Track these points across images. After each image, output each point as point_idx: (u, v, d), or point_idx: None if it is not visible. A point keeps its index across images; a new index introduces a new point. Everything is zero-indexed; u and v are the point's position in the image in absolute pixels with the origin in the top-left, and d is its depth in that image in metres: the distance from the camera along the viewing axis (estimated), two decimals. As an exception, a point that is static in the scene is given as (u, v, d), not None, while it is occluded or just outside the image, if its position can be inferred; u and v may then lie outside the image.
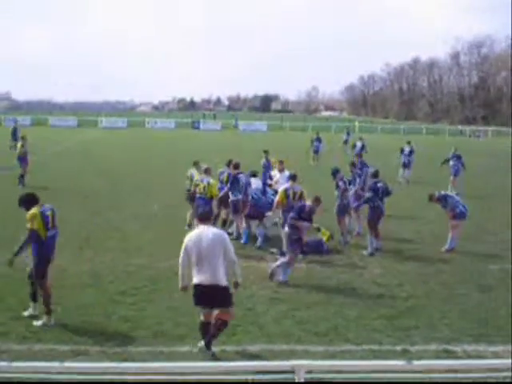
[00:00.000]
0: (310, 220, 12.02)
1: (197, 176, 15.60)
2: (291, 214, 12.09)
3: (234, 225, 15.70)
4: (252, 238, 15.05)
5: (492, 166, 37.11)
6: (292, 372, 5.20)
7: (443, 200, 14.68)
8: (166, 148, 46.29)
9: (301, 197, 13.60)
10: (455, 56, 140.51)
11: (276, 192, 15.15)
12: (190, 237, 8.24)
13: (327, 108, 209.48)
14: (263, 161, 22.01)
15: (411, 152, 28.88)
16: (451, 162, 25.96)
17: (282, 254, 13.11)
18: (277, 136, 68.63)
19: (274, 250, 14.08)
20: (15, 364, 5.43)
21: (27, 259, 9.51)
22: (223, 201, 15.31)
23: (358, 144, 35.79)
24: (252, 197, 15.20)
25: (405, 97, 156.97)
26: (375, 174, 15.28)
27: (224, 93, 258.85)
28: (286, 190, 13.80)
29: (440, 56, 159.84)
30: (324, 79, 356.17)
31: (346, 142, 44.60)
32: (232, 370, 5.71)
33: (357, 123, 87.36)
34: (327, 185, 18.25)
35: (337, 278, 12.09)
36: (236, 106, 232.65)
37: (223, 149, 40.38)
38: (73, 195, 21.81)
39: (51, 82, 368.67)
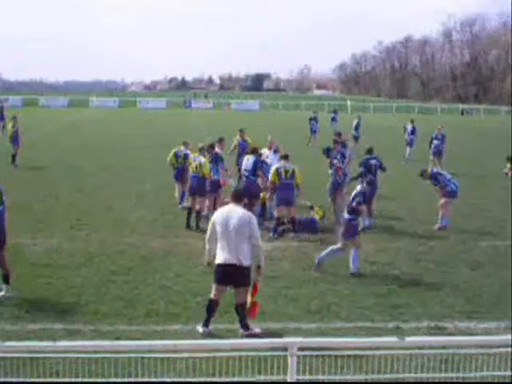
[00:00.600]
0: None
1: (191, 155, 15.54)
2: (359, 199, 11.31)
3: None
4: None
5: (486, 145, 37.11)
6: (285, 349, 5.22)
7: (434, 177, 14.71)
8: (158, 126, 45.98)
9: (293, 174, 13.55)
10: (447, 34, 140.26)
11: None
12: (218, 214, 8.23)
13: (319, 86, 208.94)
14: (238, 139, 19.36)
15: (413, 130, 28.69)
16: (435, 142, 25.27)
17: (275, 230, 13.28)
18: (269, 115, 68.37)
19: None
20: (8, 343, 5.43)
21: None
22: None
23: (354, 122, 35.17)
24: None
25: (397, 75, 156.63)
26: (370, 151, 15.37)
27: (215, 72, 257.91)
28: (277, 169, 13.74)
29: (432, 35, 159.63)
30: (316, 57, 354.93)
31: (333, 119, 43.88)
32: (225, 347, 5.73)
33: (349, 102, 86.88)
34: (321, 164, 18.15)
35: (329, 256, 12.07)
36: (228, 84, 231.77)
37: (215, 127, 40.11)
38: (64, 175, 21.73)
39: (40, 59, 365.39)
